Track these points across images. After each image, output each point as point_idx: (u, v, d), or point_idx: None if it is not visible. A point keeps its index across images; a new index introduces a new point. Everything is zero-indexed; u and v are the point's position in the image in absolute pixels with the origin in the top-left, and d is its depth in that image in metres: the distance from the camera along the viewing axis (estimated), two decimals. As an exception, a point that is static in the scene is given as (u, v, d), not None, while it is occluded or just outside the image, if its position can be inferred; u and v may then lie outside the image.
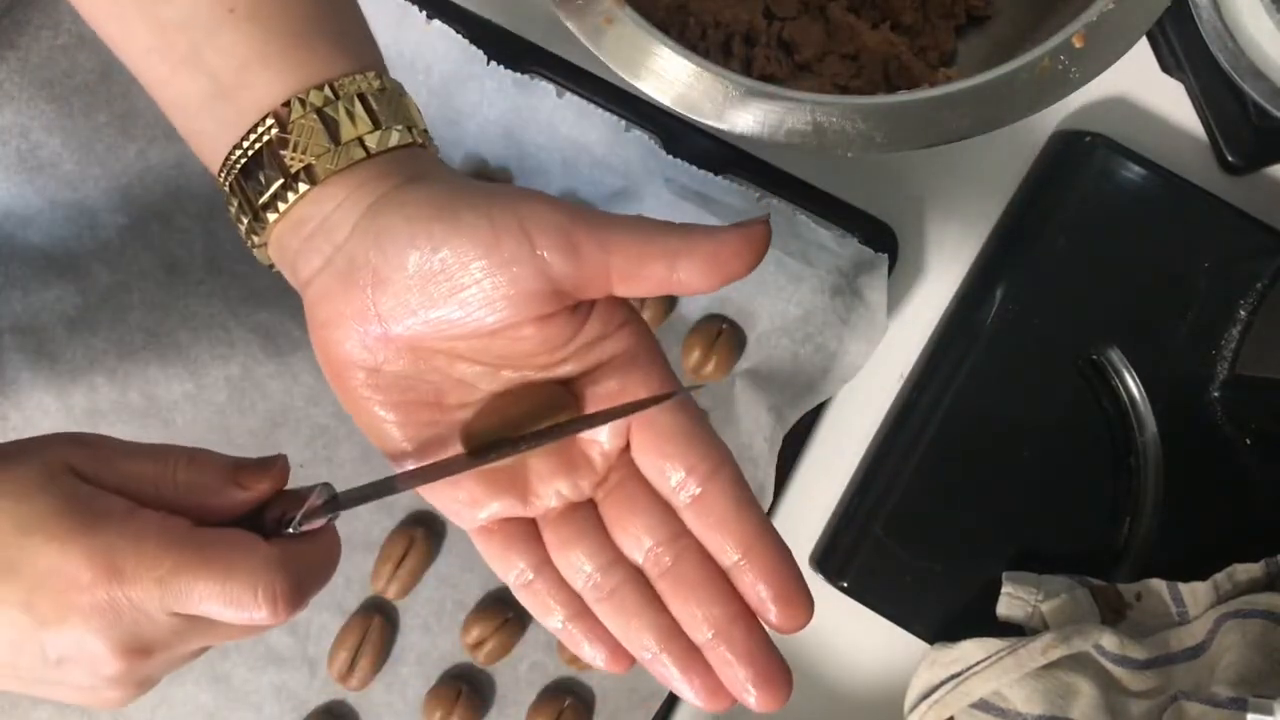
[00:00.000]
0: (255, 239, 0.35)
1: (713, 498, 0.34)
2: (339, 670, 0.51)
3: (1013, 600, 0.50)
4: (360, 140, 0.34)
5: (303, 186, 0.33)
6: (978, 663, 0.48)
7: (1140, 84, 0.56)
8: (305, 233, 0.34)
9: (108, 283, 0.52)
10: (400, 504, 0.52)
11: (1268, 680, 0.46)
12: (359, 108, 0.34)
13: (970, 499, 0.52)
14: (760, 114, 0.44)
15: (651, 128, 0.53)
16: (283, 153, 0.33)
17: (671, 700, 0.52)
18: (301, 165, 0.33)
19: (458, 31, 0.52)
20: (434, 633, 0.52)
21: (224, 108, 0.34)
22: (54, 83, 0.52)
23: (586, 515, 0.35)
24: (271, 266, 0.37)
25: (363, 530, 0.52)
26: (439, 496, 0.36)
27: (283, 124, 0.33)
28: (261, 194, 0.34)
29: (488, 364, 0.34)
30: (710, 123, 0.44)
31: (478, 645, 0.51)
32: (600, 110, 0.52)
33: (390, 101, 0.35)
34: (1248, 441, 0.52)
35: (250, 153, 0.34)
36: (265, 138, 0.33)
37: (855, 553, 0.52)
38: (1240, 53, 0.52)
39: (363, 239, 0.33)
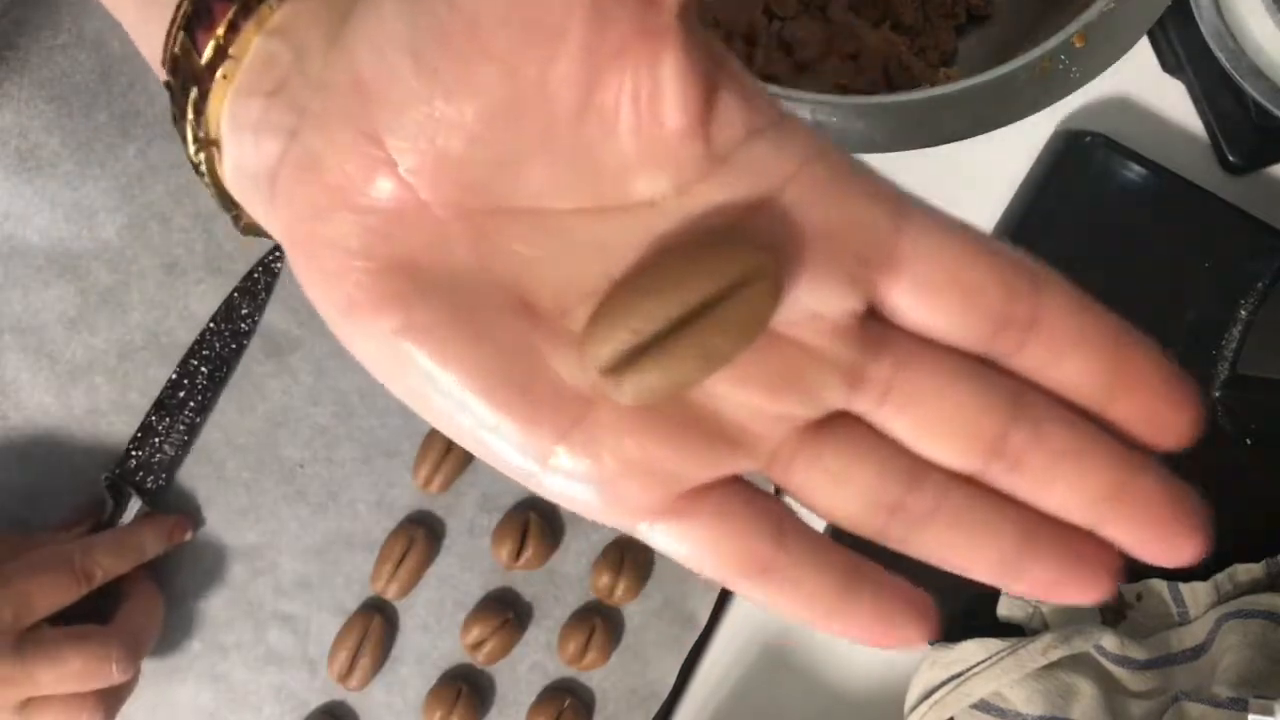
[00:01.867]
0: (205, 132, 0.24)
1: (1055, 319, 0.22)
2: (339, 670, 0.51)
3: (1013, 600, 0.50)
4: None
5: (265, 9, 0.23)
6: (978, 663, 0.48)
7: (1141, 83, 0.56)
8: (271, 82, 0.23)
9: (107, 282, 0.52)
10: (400, 503, 0.52)
11: (1268, 681, 0.46)
12: None
13: (970, 499, 0.52)
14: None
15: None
16: None
17: (672, 701, 0.52)
18: None
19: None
20: (434, 633, 0.52)
21: None
22: (53, 82, 0.52)
23: (847, 431, 0.23)
24: (236, 218, 0.26)
25: (362, 530, 0.52)
26: (593, 485, 0.22)
27: None
28: (212, 40, 0.23)
29: (592, 206, 0.22)
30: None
31: (477, 645, 0.51)
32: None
33: None
34: (1248, 441, 0.52)
35: None
36: None
37: (856, 552, 0.52)
38: (1241, 52, 0.52)
39: (340, 52, 0.22)
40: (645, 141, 0.21)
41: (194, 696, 0.51)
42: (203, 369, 0.51)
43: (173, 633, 0.51)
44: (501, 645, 0.51)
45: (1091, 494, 0.22)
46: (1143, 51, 0.56)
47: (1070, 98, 0.44)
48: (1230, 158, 0.55)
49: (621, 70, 0.21)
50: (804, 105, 0.44)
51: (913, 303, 0.22)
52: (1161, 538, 0.23)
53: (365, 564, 0.52)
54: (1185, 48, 0.54)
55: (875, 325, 0.22)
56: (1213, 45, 0.53)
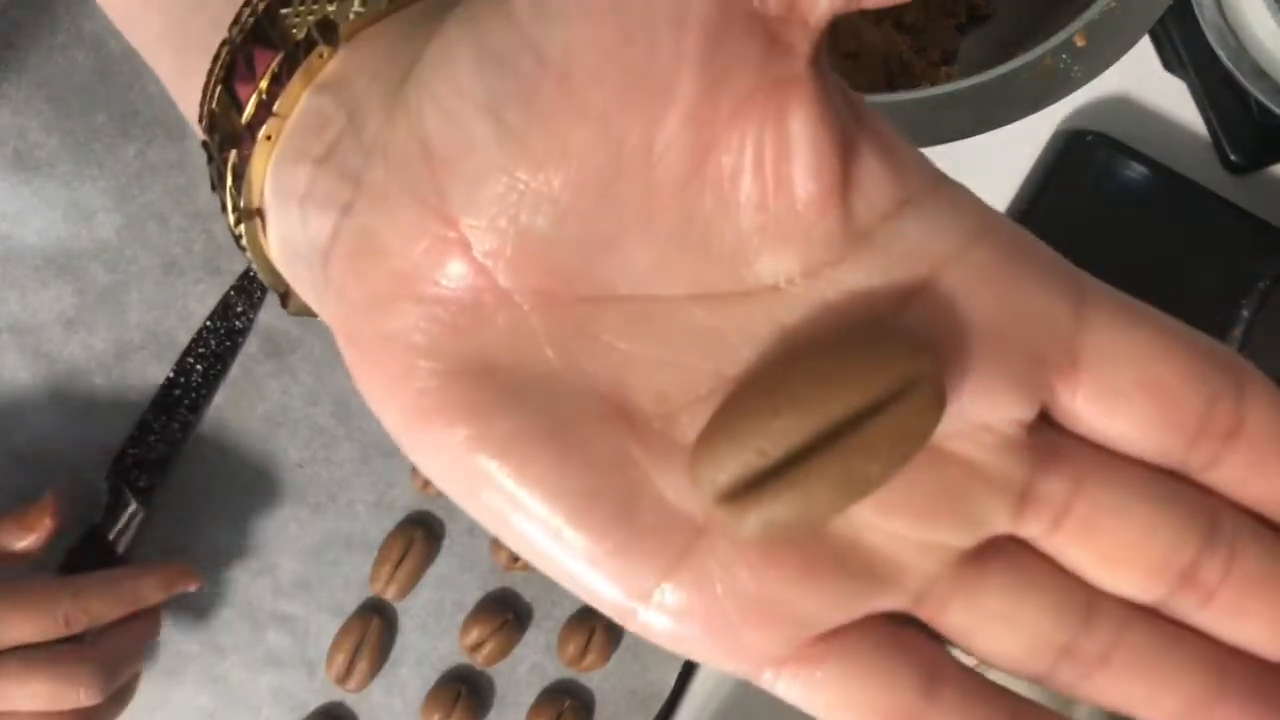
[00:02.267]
0: (247, 201, 0.21)
1: (1258, 425, 0.19)
2: (337, 672, 0.51)
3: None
4: None
5: (313, 59, 0.20)
6: (980, 664, 0.48)
7: (1142, 82, 0.56)
8: (320, 146, 0.20)
9: (105, 282, 0.52)
10: (400, 504, 0.52)
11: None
12: None
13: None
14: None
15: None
16: (284, 12, 0.21)
17: (672, 703, 0.52)
18: (315, 19, 0.20)
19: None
20: (433, 634, 0.52)
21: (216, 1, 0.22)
22: (51, 82, 0.52)
23: (1011, 562, 0.19)
24: (285, 298, 0.23)
25: (361, 531, 0.52)
26: (705, 628, 0.18)
27: None
28: (254, 94, 0.21)
29: (703, 292, 0.18)
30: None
31: (477, 647, 0.51)
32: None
33: None
34: (1251, 442, 0.52)
35: (239, 39, 0.21)
36: (263, 4, 0.21)
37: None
38: (1243, 51, 0.52)
39: (403, 113, 0.18)
40: (770, 214, 0.18)
41: (192, 698, 0.51)
42: (198, 367, 0.51)
43: (171, 634, 0.51)
44: (501, 646, 0.51)
45: None
46: (1144, 50, 0.56)
47: (1071, 97, 0.44)
48: (1232, 157, 0.55)
49: (742, 130, 0.17)
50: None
51: (1096, 410, 0.19)
52: None
53: (364, 565, 0.52)
54: (1187, 46, 0.54)
55: (1049, 434, 0.19)
56: (1214, 44, 0.52)
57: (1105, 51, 0.44)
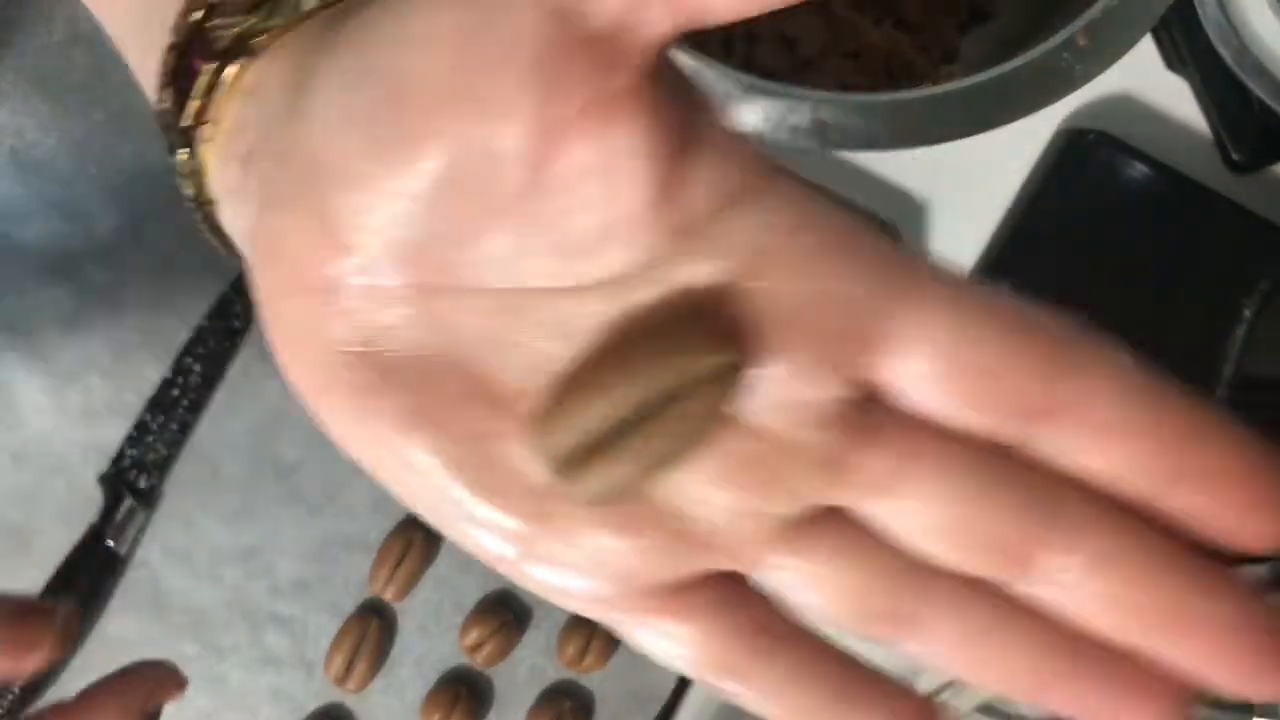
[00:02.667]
0: (197, 190, 0.24)
1: (1099, 400, 0.20)
2: (336, 673, 0.51)
3: (1016, 602, 0.50)
4: None
5: (236, 69, 0.22)
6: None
7: (1144, 81, 0.55)
8: (243, 148, 0.22)
9: (103, 282, 0.52)
10: (398, 505, 0.52)
11: (1273, 683, 0.45)
12: None
13: (973, 500, 0.52)
14: (762, 111, 0.44)
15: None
16: (212, 24, 0.22)
17: (672, 704, 0.52)
18: (234, 33, 0.22)
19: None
20: (432, 635, 0.52)
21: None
22: (48, 80, 0.52)
23: (835, 532, 0.21)
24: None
25: (360, 532, 0.52)
26: (568, 578, 0.21)
27: None
28: (191, 100, 0.23)
29: (556, 283, 0.20)
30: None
31: (476, 647, 0.51)
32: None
33: None
34: (1253, 442, 0.52)
35: (181, 47, 0.23)
36: (197, 14, 0.23)
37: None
38: (1245, 49, 0.52)
39: (297, 124, 0.21)
40: (608, 216, 0.20)
41: (190, 698, 0.51)
42: (196, 366, 0.51)
43: (168, 635, 0.51)
44: (500, 647, 0.51)
45: (1143, 614, 0.20)
46: (1146, 49, 0.56)
47: (1073, 96, 0.44)
48: (1234, 156, 0.55)
49: (580, 141, 0.19)
50: (806, 102, 0.43)
51: (919, 388, 0.20)
52: (1237, 667, 0.20)
53: (363, 565, 0.52)
54: (1189, 45, 0.54)
55: (878, 412, 0.20)
56: (1216, 43, 0.52)
57: (1107, 50, 0.44)
